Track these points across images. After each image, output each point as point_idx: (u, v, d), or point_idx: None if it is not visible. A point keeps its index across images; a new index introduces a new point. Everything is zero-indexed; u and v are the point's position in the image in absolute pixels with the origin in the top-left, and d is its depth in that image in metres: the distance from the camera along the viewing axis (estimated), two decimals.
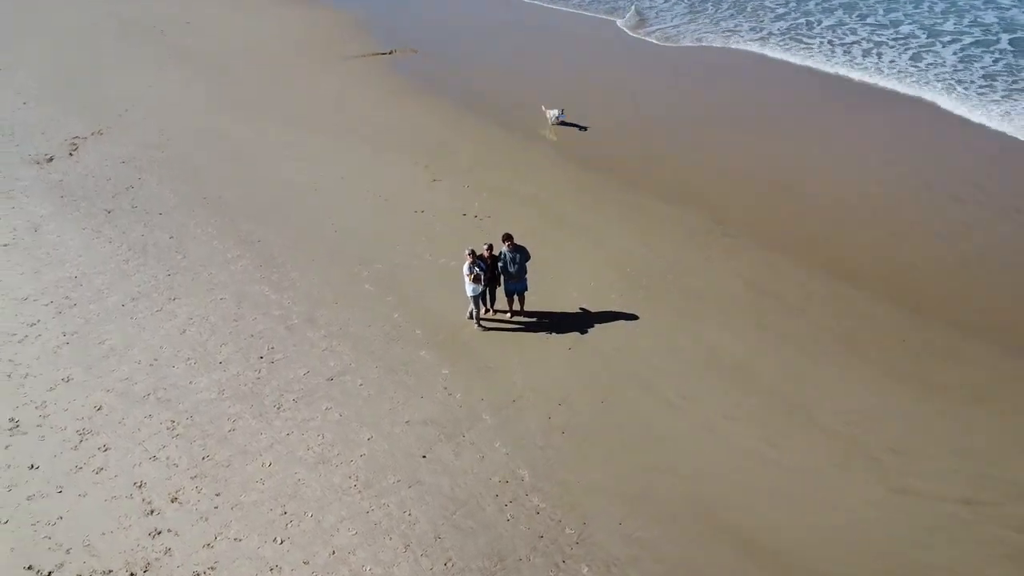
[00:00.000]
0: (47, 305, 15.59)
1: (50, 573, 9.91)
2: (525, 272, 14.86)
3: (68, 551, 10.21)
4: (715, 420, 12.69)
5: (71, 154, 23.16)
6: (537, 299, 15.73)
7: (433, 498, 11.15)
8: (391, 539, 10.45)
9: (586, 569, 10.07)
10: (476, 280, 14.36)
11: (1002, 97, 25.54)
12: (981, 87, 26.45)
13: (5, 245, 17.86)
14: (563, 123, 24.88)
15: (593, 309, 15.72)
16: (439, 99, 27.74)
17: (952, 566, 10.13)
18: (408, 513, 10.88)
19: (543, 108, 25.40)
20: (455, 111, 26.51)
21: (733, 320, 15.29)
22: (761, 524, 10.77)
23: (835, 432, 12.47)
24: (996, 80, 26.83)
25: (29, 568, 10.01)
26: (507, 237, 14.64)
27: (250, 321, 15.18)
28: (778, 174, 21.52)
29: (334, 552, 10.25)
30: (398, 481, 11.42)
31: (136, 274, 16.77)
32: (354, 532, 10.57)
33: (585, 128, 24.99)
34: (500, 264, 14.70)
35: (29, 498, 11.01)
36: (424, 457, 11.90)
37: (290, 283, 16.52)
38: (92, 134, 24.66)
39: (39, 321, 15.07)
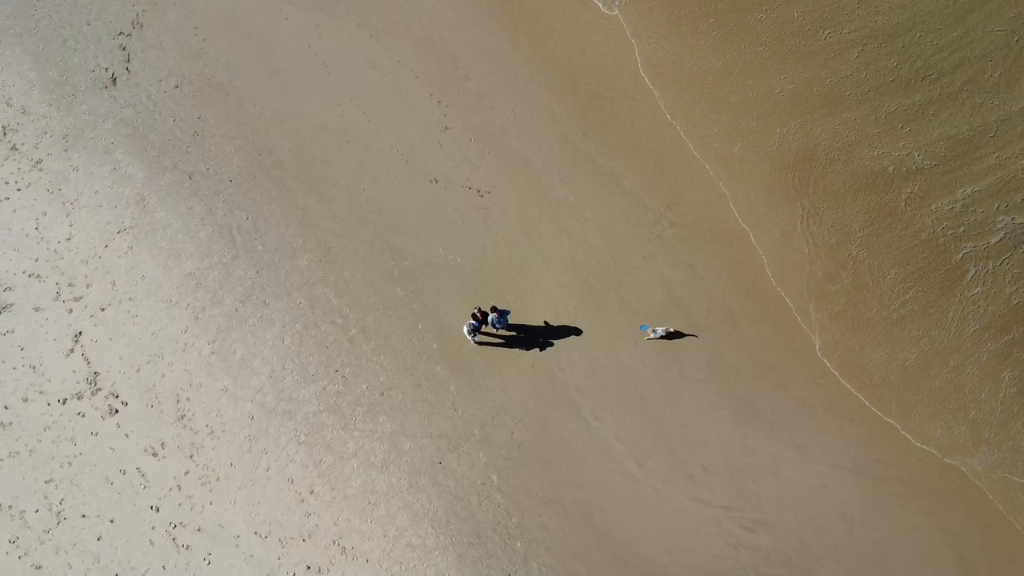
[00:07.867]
0: (186, 309, 23.18)
1: (265, 536, 20.78)
2: (508, 322, 21.98)
3: (269, 524, 20.90)
4: (609, 441, 21.76)
5: (127, 68, 26.38)
6: (518, 308, 22.96)
7: (446, 494, 21.22)
8: (424, 522, 20.92)
9: (519, 544, 20.75)
10: (472, 335, 21.78)
11: None
12: None
13: (130, 228, 24.16)
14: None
15: (553, 322, 23.07)
16: None
17: (707, 551, 20.59)
18: (432, 504, 21.11)
19: None
20: None
21: (645, 339, 22.78)
22: (617, 522, 20.92)
23: (678, 455, 21.63)
24: None
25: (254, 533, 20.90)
26: (493, 309, 21.44)
27: (323, 330, 22.96)
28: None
29: (397, 529, 20.86)
30: (426, 482, 21.35)
31: (235, 270, 23.65)
32: (407, 517, 20.98)
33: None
34: (489, 323, 21.78)
35: (239, 488, 21.26)
36: (440, 463, 21.56)
37: (344, 284, 23.49)
38: (134, 27, 26.97)
39: (188, 328, 22.97)
